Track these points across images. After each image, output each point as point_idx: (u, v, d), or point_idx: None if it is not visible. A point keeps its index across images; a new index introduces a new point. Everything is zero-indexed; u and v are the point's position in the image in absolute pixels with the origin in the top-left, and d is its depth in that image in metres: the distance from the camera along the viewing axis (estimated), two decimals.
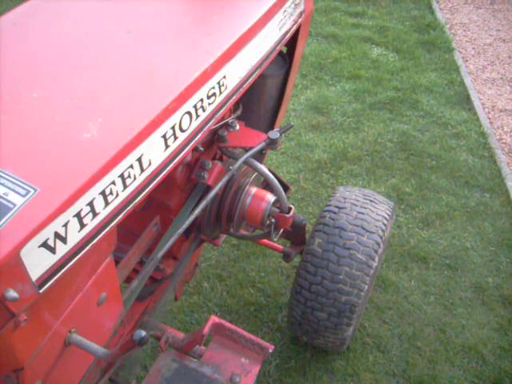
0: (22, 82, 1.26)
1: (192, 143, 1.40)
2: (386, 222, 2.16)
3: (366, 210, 2.16)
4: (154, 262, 1.56)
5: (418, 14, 5.71)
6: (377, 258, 2.08)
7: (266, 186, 2.09)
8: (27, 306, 0.98)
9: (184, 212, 1.72)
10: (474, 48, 5.31)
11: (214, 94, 1.44)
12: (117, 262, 1.39)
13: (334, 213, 2.16)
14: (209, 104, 1.43)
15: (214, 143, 1.79)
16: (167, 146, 1.29)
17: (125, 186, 1.16)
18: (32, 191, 0.98)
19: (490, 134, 4.09)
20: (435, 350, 2.64)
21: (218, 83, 1.45)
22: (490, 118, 4.32)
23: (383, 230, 2.12)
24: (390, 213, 2.22)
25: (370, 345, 2.63)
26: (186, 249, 1.95)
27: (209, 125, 1.47)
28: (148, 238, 1.65)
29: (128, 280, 1.68)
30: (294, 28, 1.91)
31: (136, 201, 1.22)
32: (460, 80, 4.70)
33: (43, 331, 1.10)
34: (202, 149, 1.72)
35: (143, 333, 1.02)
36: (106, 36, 1.47)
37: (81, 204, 1.04)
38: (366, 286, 2.07)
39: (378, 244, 2.08)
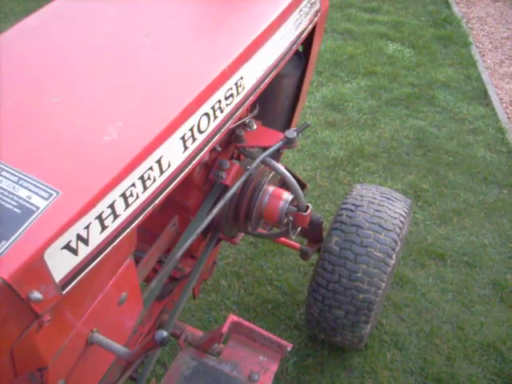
0: (42, 86, 1.28)
1: (210, 144, 1.41)
2: (403, 219, 2.15)
3: (383, 208, 2.15)
4: (173, 261, 1.57)
5: (433, 8, 5.66)
6: (394, 256, 2.08)
7: (283, 184, 2.09)
8: (51, 307, 1.00)
9: (202, 212, 1.73)
10: (491, 42, 5.25)
11: (232, 95, 1.45)
12: (136, 262, 1.41)
13: (351, 211, 2.16)
14: (226, 105, 1.44)
15: (231, 143, 1.80)
16: (186, 148, 1.30)
17: (145, 188, 1.17)
18: (54, 194, 0.99)
19: (507, 129, 4.05)
20: (453, 347, 2.63)
21: (236, 84, 1.46)
22: (507, 114, 4.28)
23: (400, 228, 2.12)
24: (407, 210, 2.22)
25: (387, 342, 2.63)
26: (204, 248, 1.96)
27: (227, 125, 1.48)
28: (167, 237, 1.66)
29: (147, 279, 1.70)
30: (310, 27, 1.91)
31: (156, 202, 1.23)
32: (477, 75, 4.66)
33: (66, 331, 1.12)
34: (219, 149, 1.73)
35: (165, 333, 1.03)
36: (124, 39, 1.48)
37: (102, 206, 1.05)
38: (384, 284, 2.07)
39: (396, 242, 2.08)
